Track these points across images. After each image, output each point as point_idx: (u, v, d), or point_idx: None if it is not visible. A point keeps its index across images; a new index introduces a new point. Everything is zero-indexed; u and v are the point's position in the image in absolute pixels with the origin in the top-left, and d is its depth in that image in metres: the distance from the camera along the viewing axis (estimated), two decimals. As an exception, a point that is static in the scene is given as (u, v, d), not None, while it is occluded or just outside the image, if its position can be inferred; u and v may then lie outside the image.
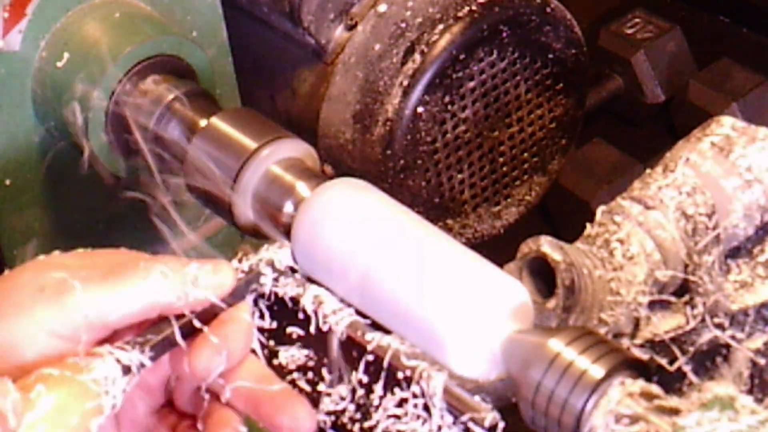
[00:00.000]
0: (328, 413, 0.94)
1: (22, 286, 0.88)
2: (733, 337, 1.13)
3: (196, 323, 0.90)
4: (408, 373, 0.90)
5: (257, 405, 0.92)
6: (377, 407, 0.92)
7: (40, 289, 0.87)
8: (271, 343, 0.97)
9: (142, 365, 0.87)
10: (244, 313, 0.93)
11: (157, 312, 0.89)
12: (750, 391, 1.15)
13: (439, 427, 0.89)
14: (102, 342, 0.88)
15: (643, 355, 1.11)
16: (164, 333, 0.89)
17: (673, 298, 1.15)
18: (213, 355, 0.90)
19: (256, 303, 0.97)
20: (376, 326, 0.95)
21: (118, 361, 0.86)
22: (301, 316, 0.96)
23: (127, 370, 0.86)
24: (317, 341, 0.95)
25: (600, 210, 1.18)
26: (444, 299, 0.91)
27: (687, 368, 1.07)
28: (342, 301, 0.96)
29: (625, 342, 1.13)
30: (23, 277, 0.89)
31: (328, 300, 0.95)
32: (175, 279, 0.89)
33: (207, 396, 0.93)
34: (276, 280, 0.96)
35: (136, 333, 0.89)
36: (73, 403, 0.83)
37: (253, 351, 0.95)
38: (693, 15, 1.97)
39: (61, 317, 0.86)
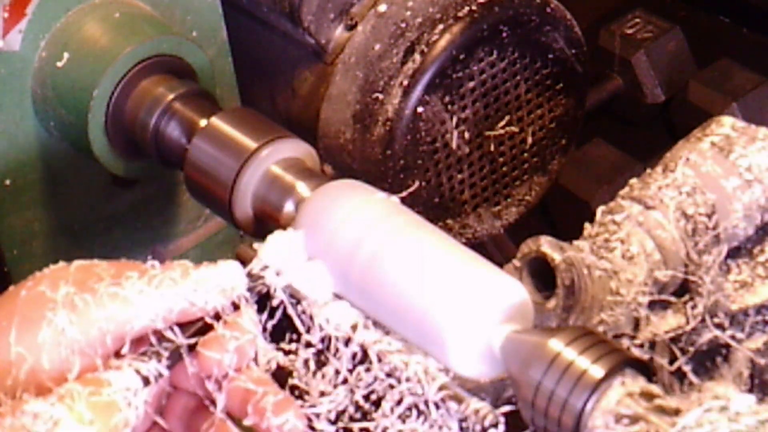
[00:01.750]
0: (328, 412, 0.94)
1: (36, 300, 0.88)
2: (733, 337, 1.13)
3: (210, 321, 0.90)
4: (409, 373, 0.90)
5: (250, 406, 0.92)
6: (377, 407, 0.92)
7: (56, 302, 0.88)
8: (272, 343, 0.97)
9: (160, 375, 0.87)
10: (247, 318, 0.93)
11: (173, 319, 0.89)
12: (750, 391, 1.15)
13: (440, 427, 0.89)
14: (117, 353, 0.88)
15: (643, 355, 1.11)
16: (177, 341, 0.89)
17: (673, 298, 1.15)
18: (223, 350, 0.90)
19: (261, 307, 0.96)
20: (376, 326, 0.95)
21: (138, 372, 0.86)
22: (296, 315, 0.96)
23: (146, 380, 0.86)
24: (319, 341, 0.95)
25: (600, 210, 1.18)
26: (444, 299, 0.91)
27: (687, 368, 1.07)
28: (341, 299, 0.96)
29: (625, 342, 1.13)
30: (36, 290, 0.89)
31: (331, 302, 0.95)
32: (186, 286, 0.90)
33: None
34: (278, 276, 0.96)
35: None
36: (100, 418, 0.83)
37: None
38: (693, 15, 1.97)
39: (79, 330, 0.87)
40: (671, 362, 1.09)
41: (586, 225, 1.18)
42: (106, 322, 0.87)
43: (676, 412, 0.81)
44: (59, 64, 1.28)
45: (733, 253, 1.19)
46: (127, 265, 0.92)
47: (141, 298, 0.88)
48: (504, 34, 1.51)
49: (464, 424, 0.88)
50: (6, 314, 0.88)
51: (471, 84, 1.51)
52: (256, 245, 0.97)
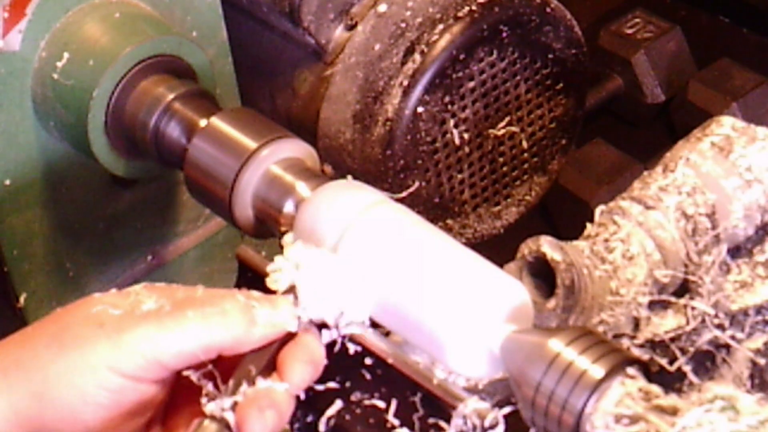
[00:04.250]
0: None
1: (82, 321, 0.89)
2: (733, 337, 1.13)
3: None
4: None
5: None
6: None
7: (100, 324, 0.88)
8: None
9: None
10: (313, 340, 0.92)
11: (215, 353, 0.89)
12: (750, 391, 1.15)
13: None
14: (161, 382, 0.89)
15: (643, 355, 1.11)
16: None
17: (673, 298, 1.15)
18: (305, 368, 0.90)
19: None
20: (375, 326, 0.95)
21: None
22: None
23: None
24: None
25: (599, 210, 1.18)
26: (444, 299, 0.91)
27: (687, 368, 1.07)
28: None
29: (625, 342, 1.13)
30: (82, 311, 0.90)
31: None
32: (234, 320, 0.89)
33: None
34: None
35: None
36: None
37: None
38: (693, 15, 1.97)
39: (119, 353, 0.87)
40: (671, 362, 1.09)
41: (587, 225, 1.18)
42: (146, 348, 0.87)
43: (676, 412, 0.81)
44: (59, 64, 1.28)
45: (733, 253, 1.19)
46: (179, 290, 0.92)
47: (186, 330, 0.87)
48: (504, 34, 1.51)
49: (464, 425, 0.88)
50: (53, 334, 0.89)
51: (471, 84, 1.51)
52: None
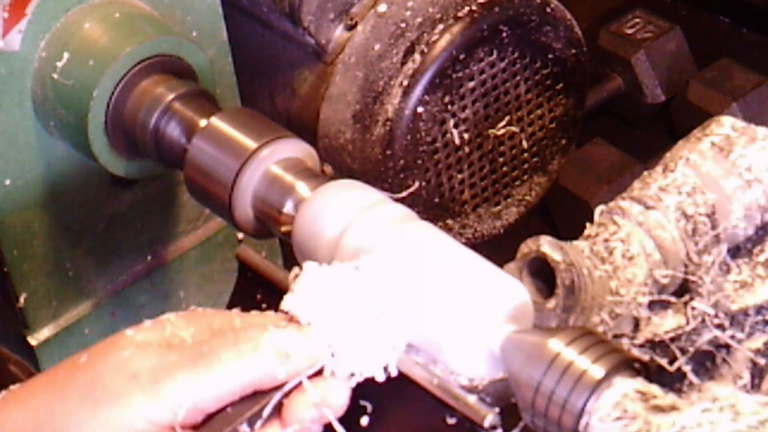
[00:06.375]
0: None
1: (113, 371, 0.86)
2: (733, 337, 1.12)
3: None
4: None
5: None
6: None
7: (133, 375, 0.86)
8: None
9: None
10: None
11: (252, 390, 0.87)
12: (750, 391, 1.15)
13: None
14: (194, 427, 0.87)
15: (643, 355, 1.11)
16: (252, 410, 0.87)
17: (673, 298, 1.15)
18: (309, 409, 0.88)
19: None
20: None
21: None
22: None
23: None
24: None
25: (598, 210, 1.18)
26: (444, 299, 0.91)
27: (687, 368, 1.07)
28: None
29: (625, 342, 1.13)
30: (113, 358, 0.87)
31: None
32: (268, 359, 0.87)
33: None
34: None
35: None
36: None
37: None
38: (693, 15, 1.97)
39: (157, 405, 0.85)
40: (671, 362, 1.09)
41: (587, 225, 1.18)
42: (185, 397, 0.85)
43: (676, 412, 0.81)
44: (59, 64, 1.28)
45: (733, 253, 1.19)
46: (200, 320, 0.90)
47: (222, 375, 0.86)
48: (504, 34, 1.51)
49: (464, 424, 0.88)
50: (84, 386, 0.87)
51: (471, 84, 1.51)
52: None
